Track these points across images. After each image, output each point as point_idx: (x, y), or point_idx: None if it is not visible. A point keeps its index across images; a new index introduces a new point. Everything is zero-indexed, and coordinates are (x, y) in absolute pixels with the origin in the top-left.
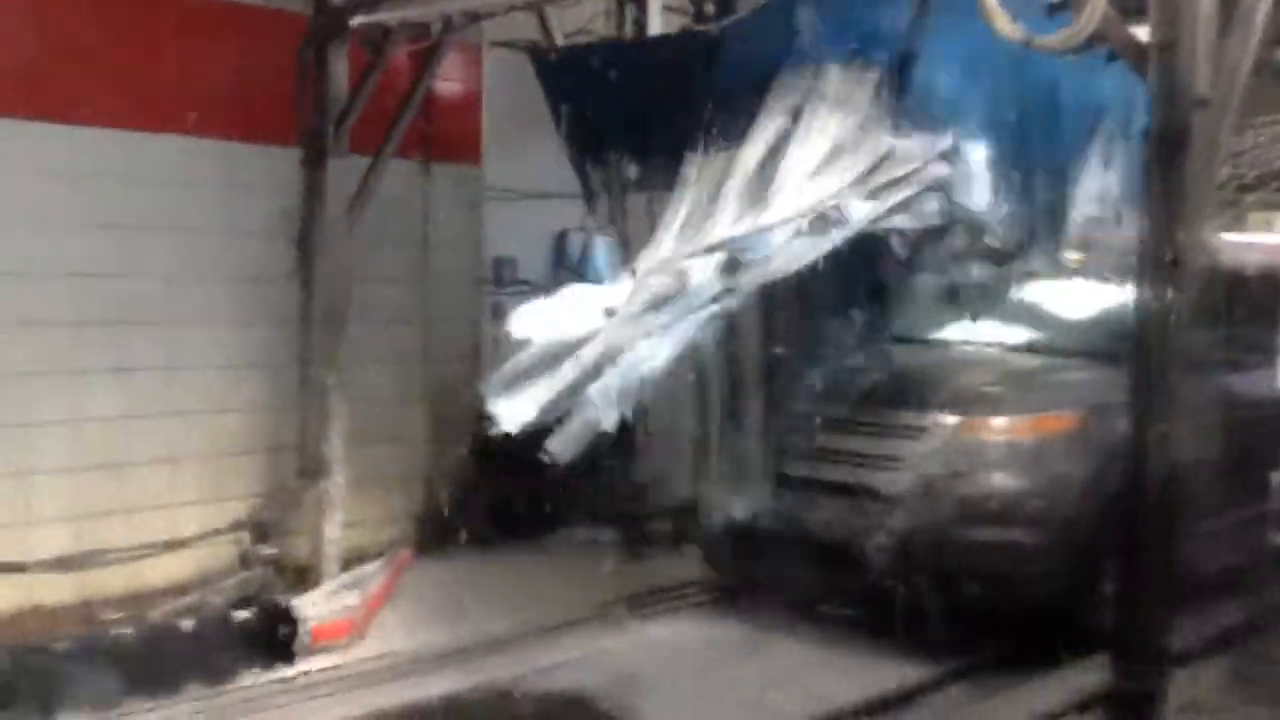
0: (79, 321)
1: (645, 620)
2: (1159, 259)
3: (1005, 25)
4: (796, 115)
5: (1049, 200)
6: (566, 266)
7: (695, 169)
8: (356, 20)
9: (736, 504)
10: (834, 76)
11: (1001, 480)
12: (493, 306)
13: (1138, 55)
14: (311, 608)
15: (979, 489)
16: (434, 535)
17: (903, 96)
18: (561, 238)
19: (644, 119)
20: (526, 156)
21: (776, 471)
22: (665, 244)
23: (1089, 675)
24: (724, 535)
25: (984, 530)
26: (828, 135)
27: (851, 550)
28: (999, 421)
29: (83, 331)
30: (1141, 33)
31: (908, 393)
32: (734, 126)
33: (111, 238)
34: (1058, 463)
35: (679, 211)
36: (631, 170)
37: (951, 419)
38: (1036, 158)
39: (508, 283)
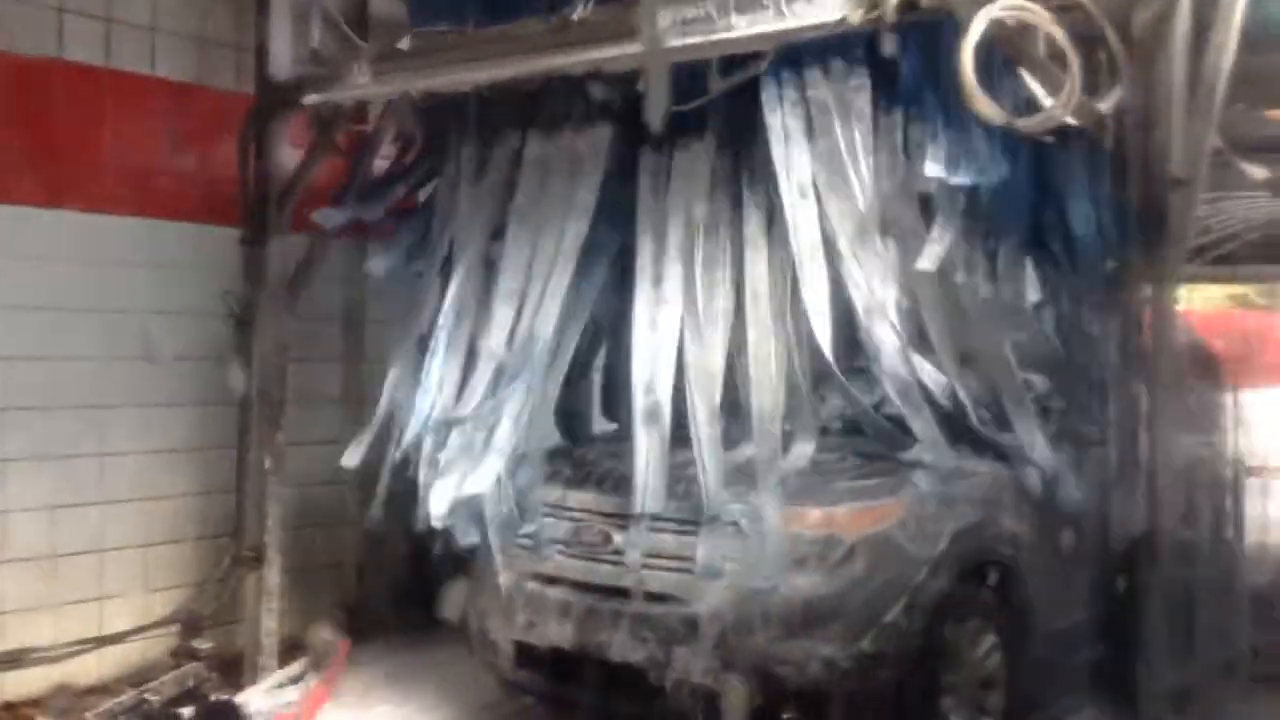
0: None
1: None
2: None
3: (987, 108)
4: None
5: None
6: None
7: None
8: (310, 98)
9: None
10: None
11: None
12: None
13: (1109, 135)
14: (254, 704)
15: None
16: (367, 624)
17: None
18: None
19: None
20: None
21: (543, 572)
22: None
23: None
24: (502, 647)
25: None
26: None
27: (644, 671)
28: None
29: (4, 417)
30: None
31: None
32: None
33: (33, 319)
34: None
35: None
36: None
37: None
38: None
39: None
